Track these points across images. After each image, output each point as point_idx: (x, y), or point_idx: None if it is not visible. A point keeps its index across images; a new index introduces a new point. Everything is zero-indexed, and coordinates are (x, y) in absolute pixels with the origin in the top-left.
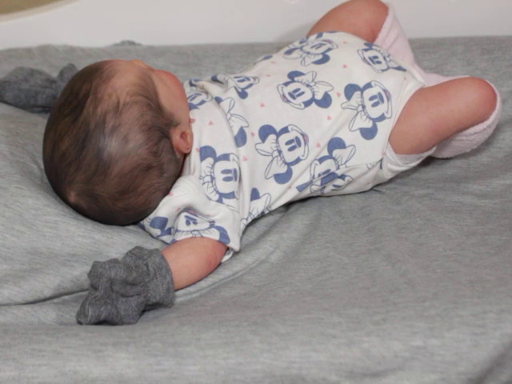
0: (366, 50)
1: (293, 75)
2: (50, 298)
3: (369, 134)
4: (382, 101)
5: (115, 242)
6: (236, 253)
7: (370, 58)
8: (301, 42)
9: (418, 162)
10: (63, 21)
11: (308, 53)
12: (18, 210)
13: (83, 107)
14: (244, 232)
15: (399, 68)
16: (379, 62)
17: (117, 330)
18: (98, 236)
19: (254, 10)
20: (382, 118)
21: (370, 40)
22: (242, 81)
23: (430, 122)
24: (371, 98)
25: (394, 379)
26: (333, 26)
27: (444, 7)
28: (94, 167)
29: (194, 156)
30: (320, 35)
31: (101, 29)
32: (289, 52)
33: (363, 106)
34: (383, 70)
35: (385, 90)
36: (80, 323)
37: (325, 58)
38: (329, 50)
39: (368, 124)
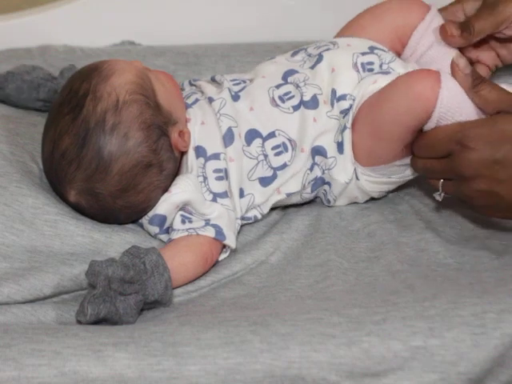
0: (364, 53)
1: (287, 75)
2: (50, 297)
3: (340, 147)
4: (350, 111)
5: (114, 242)
6: (235, 253)
7: (362, 64)
8: (315, 43)
9: (404, 173)
10: (63, 21)
11: (309, 55)
12: (18, 208)
13: (83, 106)
14: (243, 232)
15: (386, 72)
16: (371, 70)
17: (116, 329)
18: (97, 235)
19: (254, 9)
20: (344, 128)
21: (399, 47)
22: (238, 84)
23: (368, 128)
24: (342, 112)
25: (393, 379)
26: (354, 31)
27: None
28: (94, 165)
29: (191, 155)
30: (334, 39)
31: (101, 29)
32: (294, 53)
33: (337, 119)
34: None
35: (354, 101)
36: (79, 322)
37: (319, 59)
38: (327, 50)
39: (339, 137)
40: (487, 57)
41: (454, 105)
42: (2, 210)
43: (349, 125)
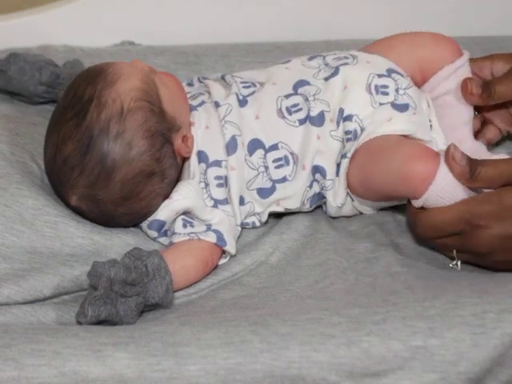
0: (380, 76)
1: (298, 86)
2: (50, 298)
3: (337, 170)
4: (355, 138)
5: (114, 244)
6: (234, 254)
7: (376, 86)
8: (335, 52)
9: (385, 205)
10: (63, 21)
11: (326, 64)
12: (18, 209)
13: (87, 112)
14: (243, 233)
15: (401, 106)
16: (385, 94)
17: (116, 329)
18: (97, 237)
19: (254, 10)
20: (345, 156)
21: (418, 80)
22: (248, 87)
23: (361, 172)
24: (347, 132)
25: (393, 379)
26: (381, 49)
27: (444, 7)
28: (97, 172)
29: (193, 160)
30: (357, 51)
31: (101, 29)
32: (311, 58)
33: (340, 140)
34: (381, 104)
35: (362, 128)
36: (79, 323)
37: (335, 72)
38: (344, 64)
39: (338, 160)
40: (501, 121)
41: (443, 195)
42: (2, 211)
43: (349, 154)
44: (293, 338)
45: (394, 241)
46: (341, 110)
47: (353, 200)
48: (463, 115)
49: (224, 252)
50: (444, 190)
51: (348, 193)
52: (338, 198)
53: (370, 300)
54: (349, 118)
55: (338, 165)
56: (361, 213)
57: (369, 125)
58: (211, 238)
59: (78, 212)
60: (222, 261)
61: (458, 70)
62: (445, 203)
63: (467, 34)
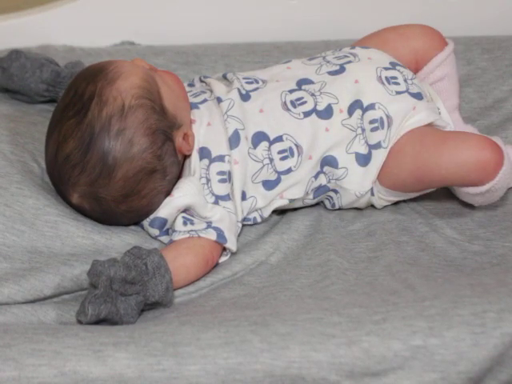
0: (386, 68)
1: (301, 83)
2: (50, 297)
3: (363, 160)
4: (382, 127)
5: (114, 243)
6: (235, 253)
7: (386, 78)
8: (333, 52)
9: (412, 196)
10: (63, 21)
11: (328, 62)
12: (19, 209)
13: (88, 110)
14: (243, 232)
15: (417, 95)
16: (397, 84)
17: (116, 329)
18: (98, 237)
19: (254, 9)
20: (378, 145)
21: (412, 69)
22: (251, 83)
23: (415, 168)
24: (371, 122)
25: (393, 378)
26: (376, 43)
27: (444, 7)
28: (98, 170)
29: (195, 157)
30: (352, 48)
31: (101, 29)
32: (311, 59)
33: (363, 129)
34: (398, 93)
35: (387, 116)
36: (80, 322)
37: (340, 70)
38: (348, 62)
39: (364, 150)
40: None
41: (506, 178)
42: (3, 211)
43: (385, 145)
44: (293, 338)
45: (396, 239)
46: (358, 102)
47: (373, 195)
48: (454, 100)
49: (224, 249)
50: (508, 173)
51: (372, 188)
52: (358, 187)
53: (370, 300)
54: (371, 106)
55: (362, 155)
56: (371, 206)
57: (395, 114)
58: (211, 235)
59: (80, 210)
60: (223, 259)
61: (449, 57)
62: (504, 186)
63: (467, 34)
